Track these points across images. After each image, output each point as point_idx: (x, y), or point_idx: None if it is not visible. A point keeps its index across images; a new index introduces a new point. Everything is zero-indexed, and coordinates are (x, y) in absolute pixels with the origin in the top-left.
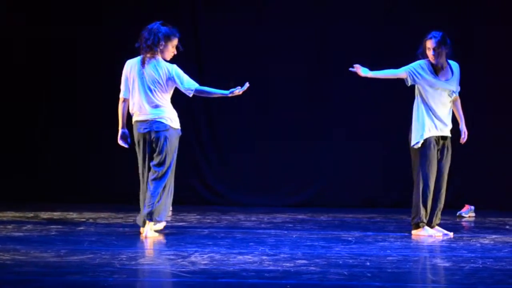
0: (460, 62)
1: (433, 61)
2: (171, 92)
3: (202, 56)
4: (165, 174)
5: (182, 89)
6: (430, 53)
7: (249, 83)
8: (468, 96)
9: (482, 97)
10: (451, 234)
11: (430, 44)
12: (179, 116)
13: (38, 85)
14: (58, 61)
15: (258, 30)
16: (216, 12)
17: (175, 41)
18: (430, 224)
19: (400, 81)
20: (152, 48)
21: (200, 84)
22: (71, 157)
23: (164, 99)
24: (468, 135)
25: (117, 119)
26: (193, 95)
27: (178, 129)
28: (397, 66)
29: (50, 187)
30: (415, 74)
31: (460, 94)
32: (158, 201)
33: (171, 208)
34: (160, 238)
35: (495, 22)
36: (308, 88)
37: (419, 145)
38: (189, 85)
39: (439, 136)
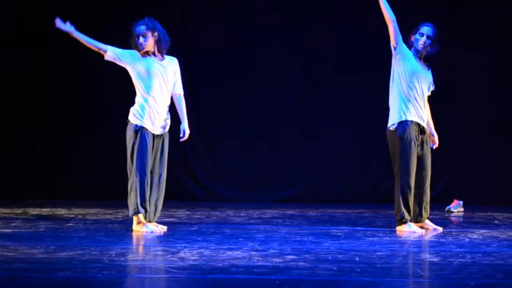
0: (446, 56)
1: (420, 47)
2: (134, 82)
3: (189, 55)
4: (128, 175)
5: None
6: (422, 38)
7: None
8: (455, 92)
9: (468, 93)
10: (440, 229)
11: (425, 30)
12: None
13: (28, 83)
14: (49, 60)
15: (248, 29)
16: (205, 10)
17: (134, 35)
18: (420, 219)
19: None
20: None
21: (189, 84)
22: (60, 154)
23: (136, 92)
24: (456, 130)
25: (105, 116)
26: None
27: (133, 124)
28: (386, 68)
29: (39, 183)
30: (403, 46)
31: (429, 99)
32: (128, 198)
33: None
34: (148, 233)
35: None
36: (297, 85)
37: (395, 127)
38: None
39: (418, 128)
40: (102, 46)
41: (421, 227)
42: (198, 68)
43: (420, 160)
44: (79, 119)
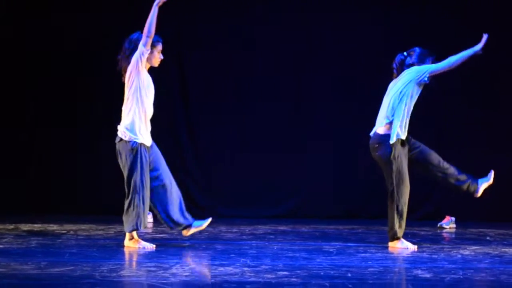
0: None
1: (428, 79)
2: (132, 93)
3: (184, 64)
4: (127, 192)
5: (139, 52)
6: None
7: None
8: (447, 110)
9: (460, 111)
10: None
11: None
12: (160, 130)
13: (20, 90)
14: (45, 74)
15: (239, 42)
16: (199, 19)
17: (159, 47)
18: (471, 187)
19: (384, 91)
20: (130, 57)
21: (183, 100)
22: (52, 169)
23: (126, 107)
24: (448, 147)
25: (98, 131)
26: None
27: (130, 141)
28: (378, 86)
29: (31, 199)
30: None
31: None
32: (124, 214)
33: (151, 220)
34: (139, 250)
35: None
36: (289, 103)
37: (392, 142)
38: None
39: (404, 140)
40: (151, 40)
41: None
42: (192, 85)
43: (421, 158)
44: (73, 133)
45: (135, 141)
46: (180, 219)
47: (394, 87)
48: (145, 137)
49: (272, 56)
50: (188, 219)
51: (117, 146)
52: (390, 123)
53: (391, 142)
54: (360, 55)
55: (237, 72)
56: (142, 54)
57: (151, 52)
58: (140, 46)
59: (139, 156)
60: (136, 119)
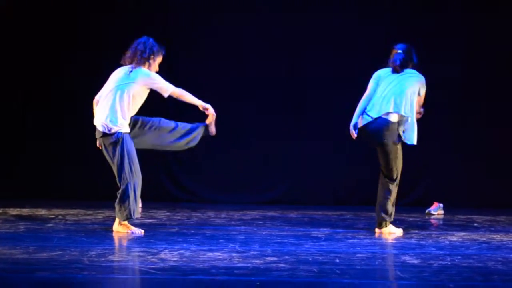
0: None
1: None
2: (121, 91)
3: (172, 55)
4: (119, 183)
5: (159, 84)
6: None
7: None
8: (434, 96)
9: (449, 96)
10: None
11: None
12: (150, 114)
13: (12, 81)
14: (36, 61)
15: (234, 33)
16: (189, 17)
17: (159, 59)
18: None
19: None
20: (146, 60)
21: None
22: (42, 154)
23: (109, 98)
24: (435, 133)
25: (87, 117)
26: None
27: (113, 134)
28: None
29: (20, 184)
30: None
31: None
32: (117, 203)
33: (140, 205)
34: (128, 235)
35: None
36: (280, 89)
37: (414, 142)
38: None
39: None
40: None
41: None
42: (182, 70)
43: None
44: (61, 120)
45: (119, 132)
46: (188, 136)
47: (407, 82)
48: (126, 126)
49: (264, 47)
50: (194, 125)
51: (100, 141)
52: (401, 114)
53: (414, 143)
54: (350, 49)
55: (230, 59)
56: (158, 88)
57: (154, 61)
58: (165, 87)
59: (124, 145)
60: (118, 111)
